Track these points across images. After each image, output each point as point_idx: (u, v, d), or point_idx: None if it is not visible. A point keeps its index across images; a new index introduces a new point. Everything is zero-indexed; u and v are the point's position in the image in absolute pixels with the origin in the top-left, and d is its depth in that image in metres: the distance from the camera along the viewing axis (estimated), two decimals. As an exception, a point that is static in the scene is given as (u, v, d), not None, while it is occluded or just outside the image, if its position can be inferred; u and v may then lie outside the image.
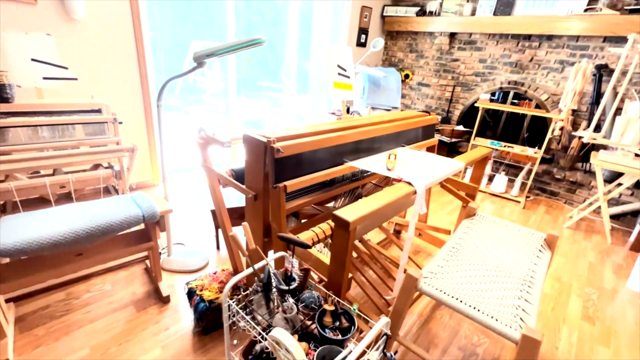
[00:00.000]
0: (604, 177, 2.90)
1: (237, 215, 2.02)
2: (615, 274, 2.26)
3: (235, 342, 1.31)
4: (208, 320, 1.41)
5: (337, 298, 0.91)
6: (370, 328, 0.88)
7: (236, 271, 1.61)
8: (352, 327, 0.86)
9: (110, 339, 1.39)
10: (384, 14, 4.39)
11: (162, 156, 1.74)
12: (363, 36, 4.29)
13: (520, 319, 0.96)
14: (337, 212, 0.94)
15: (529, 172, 3.46)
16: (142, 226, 1.57)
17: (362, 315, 0.95)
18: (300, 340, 0.84)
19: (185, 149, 3.38)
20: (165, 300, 1.63)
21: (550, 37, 3.28)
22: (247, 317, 0.88)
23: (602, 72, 3.01)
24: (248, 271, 0.92)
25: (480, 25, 3.59)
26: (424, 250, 2.29)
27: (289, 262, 0.96)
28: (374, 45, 3.23)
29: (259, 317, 0.90)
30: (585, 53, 3.11)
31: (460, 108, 4.12)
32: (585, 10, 2.98)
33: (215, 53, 1.38)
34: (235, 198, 2.71)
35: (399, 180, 1.29)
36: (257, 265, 0.95)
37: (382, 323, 0.81)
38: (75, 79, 1.84)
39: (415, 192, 1.22)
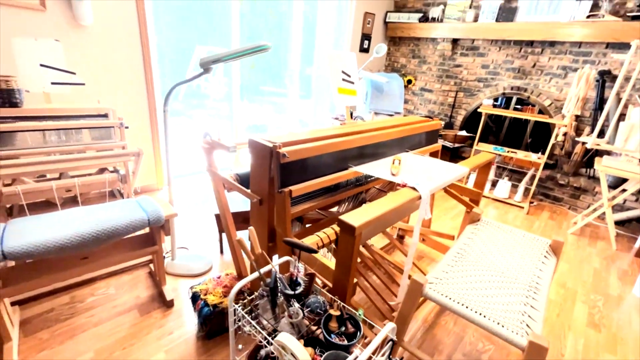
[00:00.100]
0: (608, 182, 2.89)
1: (241, 220, 2.02)
2: (621, 281, 2.25)
3: (240, 346, 1.31)
4: (212, 324, 1.41)
5: (342, 303, 0.91)
6: (375, 334, 0.88)
7: (240, 275, 1.61)
8: (358, 333, 0.86)
9: (115, 342, 1.39)
10: (387, 20, 4.43)
11: (168, 161, 1.75)
12: (366, 42, 4.33)
13: (527, 325, 0.96)
14: (343, 217, 0.94)
15: (533, 177, 3.45)
16: (146, 230, 1.58)
17: (368, 320, 0.95)
18: (306, 345, 0.84)
19: (189, 154, 3.39)
20: (169, 305, 1.63)
21: (552, 43, 3.30)
22: (253, 322, 0.88)
23: (605, 78, 3.01)
24: (254, 275, 0.93)
25: (482, 31, 3.62)
26: (427, 256, 2.28)
27: (295, 266, 0.96)
28: (376, 51, 3.26)
29: (265, 322, 0.90)
30: (588, 59, 3.12)
31: (463, 113, 4.13)
32: (588, 16, 2.99)
33: (222, 59, 1.39)
34: (239, 202, 2.72)
35: (404, 186, 1.30)
36: (262, 270, 0.95)
37: (388, 329, 0.81)
38: (83, 84, 1.86)
39: (419, 198, 1.23)
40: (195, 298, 1.45)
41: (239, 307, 0.90)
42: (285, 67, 3.83)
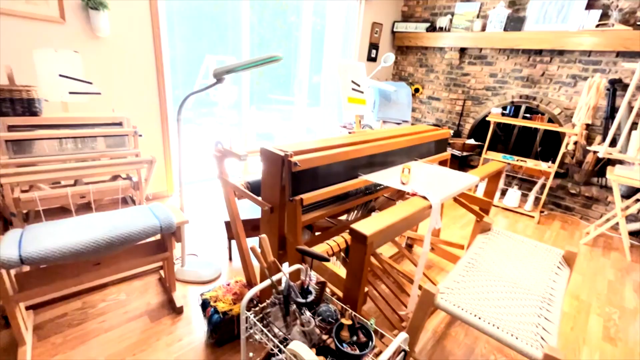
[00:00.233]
0: (621, 192, 2.84)
1: (250, 227, 2.04)
2: (637, 293, 2.19)
3: (250, 354, 1.31)
4: (221, 332, 1.41)
5: (354, 312, 0.91)
6: (384, 344, 0.87)
7: (249, 283, 1.62)
8: (370, 342, 0.86)
9: (125, 348, 1.41)
10: (394, 29, 4.47)
11: (181, 168, 1.79)
12: (374, 51, 4.37)
13: (541, 337, 0.94)
14: (354, 226, 0.95)
15: (543, 186, 3.41)
16: (157, 236, 1.60)
17: (379, 330, 0.94)
18: (317, 354, 0.84)
19: (198, 161, 3.44)
20: (178, 311, 1.64)
21: (561, 52, 3.29)
22: (265, 330, 0.88)
23: (616, 86, 2.99)
24: (266, 283, 0.93)
25: (490, 40, 3.63)
26: (436, 265, 2.26)
27: (307, 274, 0.96)
28: (384, 60, 3.29)
29: (276, 330, 0.90)
30: (598, 68, 3.11)
31: (471, 122, 4.12)
32: (597, 25, 2.98)
33: (235, 69, 1.43)
34: (247, 210, 2.74)
35: (413, 195, 1.30)
36: (274, 278, 0.96)
37: (400, 339, 0.81)
38: (99, 93, 1.92)
39: (430, 207, 1.23)
40: (205, 305, 1.46)
41: (251, 314, 0.91)
42: (293, 76, 3.88)
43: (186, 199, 2.99)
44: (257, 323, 0.90)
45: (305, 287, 0.98)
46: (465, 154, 3.91)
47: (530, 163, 3.27)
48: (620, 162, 2.91)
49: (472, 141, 3.94)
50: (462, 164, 4.09)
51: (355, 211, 1.79)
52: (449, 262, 2.20)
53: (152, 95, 2.65)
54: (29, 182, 1.61)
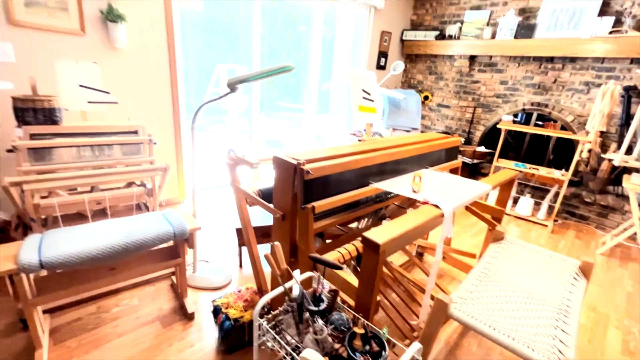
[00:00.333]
0: (638, 201, 2.77)
1: (260, 234, 2.05)
2: (657, 306, 2.12)
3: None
4: (232, 338, 1.41)
5: (366, 321, 0.91)
6: (395, 353, 0.87)
7: (260, 290, 1.62)
8: (383, 352, 0.86)
9: (138, 353, 1.42)
10: (403, 38, 4.50)
11: (194, 176, 1.82)
12: (383, 59, 4.40)
13: (559, 350, 0.92)
14: (367, 234, 0.95)
15: (556, 194, 3.35)
16: (170, 243, 1.63)
17: (392, 340, 0.94)
18: (330, 363, 0.84)
19: (209, 168, 3.49)
20: (190, 317, 1.65)
21: (573, 59, 3.26)
22: (278, 337, 0.88)
23: (631, 93, 2.94)
24: (279, 290, 0.94)
25: (500, 48, 3.62)
26: (448, 274, 2.23)
27: (319, 282, 0.97)
28: (394, 68, 3.31)
29: (289, 338, 0.90)
30: (612, 74, 3.06)
31: (482, 129, 4.09)
32: (610, 32, 2.95)
33: (248, 79, 1.46)
34: (257, 217, 2.76)
35: (425, 203, 1.30)
36: (286, 285, 0.96)
37: (414, 349, 0.80)
38: (116, 102, 1.98)
39: (442, 215, 1.22)
40: (216, 312, 1.47)
41: (263, 321, 0.91)
42: (303, 84, 3.93)
43: (196, 205, 3.03)
44: (270, 330, 0.90)
45: (318, 295, 0.99)
46: (475, 161, 3.88)
47: (543, 171, 3.22)
48: (637, 170, 2.84)
49: (482, 149, 3.91)
50: (472, 171, 4.05)
51: (366, 219, 1.79)
52: (461, 271, 2.17)
53: (166, 103, 2.71)
54: (48, 189, 1.66)
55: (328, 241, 1.60)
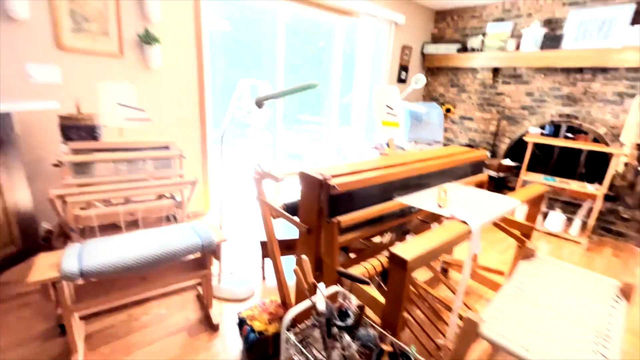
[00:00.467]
0: (682, 218, 2.59)
1: (282, 247, 2.07)
2: None
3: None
4: (257, 351, 1.43)
5: (393, 339, 0.90)
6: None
7: (284, 302, 1.64)
8: (412, 371, 0.84)
9: (166, 362, 1.46)
10: (424, 51, 4.51)
11: (223, 189, 1.88)
12: (403, 73, 4.42)
13: (600, 377, 0.87)
14: (394, 250, 0.95)
15: (590, 209, 3.19)
16: (198, 254, 1.68)
17: (420, 358, 0.92)
18: (358, 380, 0.83)
19: (232, 181, 3.58)
20: (215, 328, 1.68)
21: (604, 70, 3.15)
22: (305, 351, 0.89)
23: (670, 104, 2.79)
24: (306, 304, 0.95)
25: (525, 59, 3.56)
26: (474, 292, 2.16)
27: (346, 297, 0.97)
28: (415, 81, 3.31)
29: (316, 352, 0.91)
30: (648, 85, 2.93)
31: (507, 142, 3.99)
32: (644, 41, 2.84)
33: (275, 97, 1.51)
34: (280, 230, 2.79)
35: (451, 218, 1.28)
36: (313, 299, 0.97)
37: (444, 369, 0.78)
38: (150, 119, 2.09)
39: (469, 231, 1.20)
40: (242, 323, 1.49)
41: (291, 335, 0.92)
42: (323, 98, 4.00)
43: (220, 217, 3.11)
44: (298, 344, 0.91)
45: (344, 310, 0.99)
46: (501, 174, 3.77)
47: (575, 185, 3.08)
48: (680, 184, 2.67)
49: (508, 162, 3.80)
50: (498, 185, 3.94)
51: (390, 233, 1.78)
52: (489, 289, 2.09)
53: (194, 119, 2.84)
54: (87, 201, 1.77)
55: (352, 255, 1.60)
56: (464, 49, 4.19)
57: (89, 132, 1.85)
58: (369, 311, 1.13)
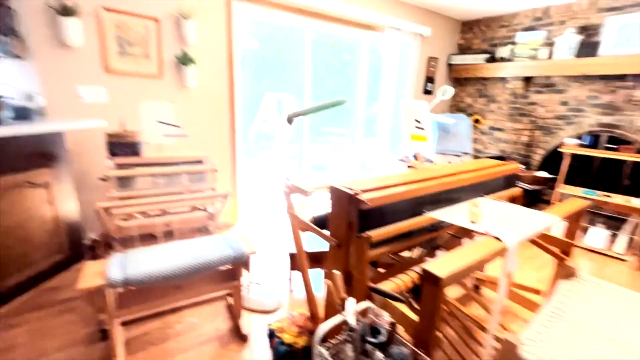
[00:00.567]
0: None
1: (310, 259, 2.09)
2: None
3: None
4: (286, 364, 1.44)
5: (428, 358, 0.89)
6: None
7: (313, 316, 1.64)
8: (448, 393, 0.82)
9: (199, 371, 1.50)
10: (451, 62, 4.47)
11: (254, 202, 1.93)
12: (429, 84, 4.39)
13: (656, 411, 0.81)
14: (427, 267, 0.94)
15: (637, 225, 2.97)
16: (229, 265, 1.73)
17: (455, 380, 0.90)
18: (392, 399, 0.82)
19: (259, 193, 3.66)
20: (244, 339, 1.72)
21: (648, 76, 2.97)
22: (337, 367, 0.90)
23: None
24: (339, 318, 0.96)
25: (560, 68, 3.43)
26: (509, 311, 2.06)
27: (377, 313, 0.97)
28: (442, 93, 3.27)
29: (348, 369, 0.91)
30: (699, 91, 2.73)
31: (541, 153, 3.83)
32: (693, 46, 2.67)
33: (305, 114, 1.56)
34: (307, 242, 2.81)
35: (485, 234, 1.25)
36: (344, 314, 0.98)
37: (483, 392, 0.76)
38: (186, 135, 2.22)
39: (504, 249, 1.17)
40: (271, 335, 1.51)
41: (324, 349, 0.93)
42: (348, 112, 4.04)
43: (248, 229, 3.19)
44: (330, 359, 0.92)
45: (376, 326, 0.99)
46: (535, 187, 3.60)
47: (618, 199, 2.89)
48: None
49: (543, 173, 3.63)
50: (532, 199, 3.76)
51: (419, 248, 1.75)
52: (525, 308, 1.99)
53: (225, 134, 2.97)
54: (129, 212, 1.89)
55: (380, 270, 1.59)
56: (492, 58, 4.11)
57: (132, 148, 1.98)
58: (399, 329, 1.12)
